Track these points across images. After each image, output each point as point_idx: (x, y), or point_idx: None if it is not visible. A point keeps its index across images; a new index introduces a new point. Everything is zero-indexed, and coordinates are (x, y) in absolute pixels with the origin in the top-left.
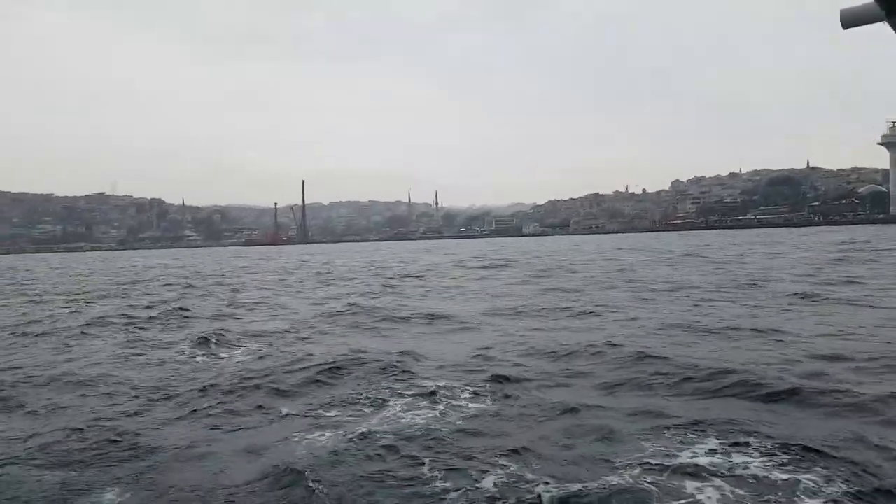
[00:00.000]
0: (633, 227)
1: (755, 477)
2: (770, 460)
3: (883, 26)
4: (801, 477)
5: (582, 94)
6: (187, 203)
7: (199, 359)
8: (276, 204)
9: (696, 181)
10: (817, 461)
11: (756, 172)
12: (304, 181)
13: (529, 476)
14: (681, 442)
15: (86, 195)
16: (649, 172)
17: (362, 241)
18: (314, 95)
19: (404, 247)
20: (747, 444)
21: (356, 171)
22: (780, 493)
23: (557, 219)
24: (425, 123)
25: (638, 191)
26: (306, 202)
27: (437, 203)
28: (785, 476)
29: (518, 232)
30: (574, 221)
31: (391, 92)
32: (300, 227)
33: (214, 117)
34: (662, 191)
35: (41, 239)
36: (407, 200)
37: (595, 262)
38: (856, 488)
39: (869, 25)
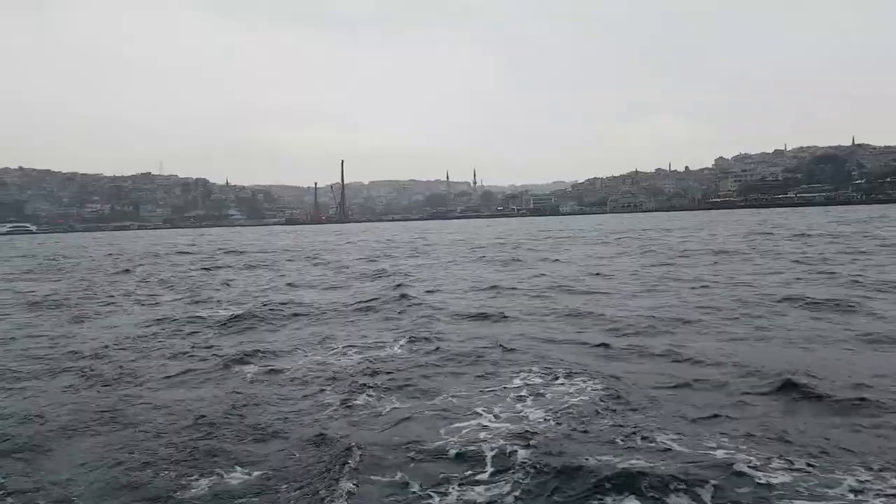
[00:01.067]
0: (671, 206)
1: None
2: None
3: None
4: None
5: (628, 70)
6: (231, 183)
7: None
8: (315, 184)
9: (741, 158)
10: None
11: (802, 149)
12: (342, 161)
13: None
14: None
15: (133, 175)
16: (694, 149)
17: (402, 220)
18: (358, 72)
19: (422, 226)
20: None
21: (397, 150)
22: None
23: (596, 197)
24: (468, 101)
25: (681, 168)
26: (347, 182)
27: (475, 182)
28: None
29: (556, 211)
30: (612, 200)
31: (434, 68)
32: (339, 206)
33: (261, 98)
34: (706, 168)
35: (90, 218)
36: (448, 179)
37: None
38: None
39: None
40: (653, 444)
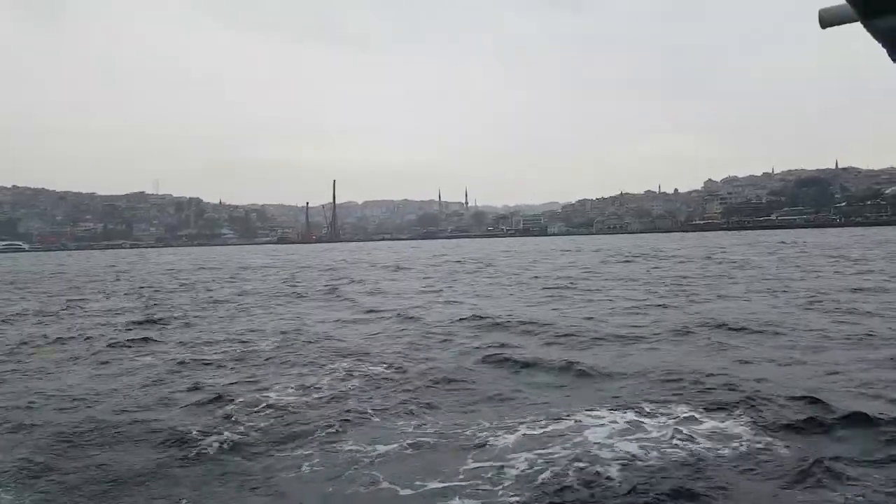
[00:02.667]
0: (655, 228)
1: None
2: None
3: (860, 27)
4: None
5: (624, 91)
6: (225, 202)
7: None
8: (307, 203)
9: (729, 181)
10: None
11: (790, 172)
12: (335, 181)
13: None
14: None
15: (126, 194)
16: (685, 172)
17: (392, 239)
18: (351, 91)
19: (401, 245)
20: None
21: (390, 170)
22: None
23: (584, 218)
24: (463, 121)
25: (670, 190)
26: (342, 202)
27: (466, 202)
28: None
29: (544, 232)
30: (598, 221)
31: (428, 88)
32: (331, 225)
33: (256, 118)
34: (694, 191)
35: (82, 236)
36: (440, 199)
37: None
38: None
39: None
40: None
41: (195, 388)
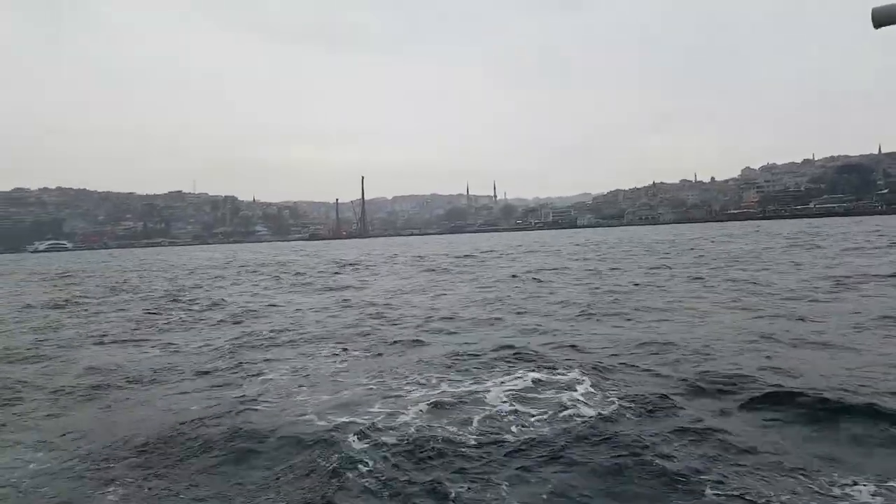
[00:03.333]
0: (689, 218)
1: None
2: None
3: None
4: None
5: (652, 80)
6: (259, 200)
7: None
8: (337, 200)
9: (768, 169)
10: None
11: (831, 159)
12: (363, 178)
13: None
14: None
15: (164, 193)
16: (722, 160)
17: (420, 234)
18: (382, 89)
19: (427, 240)
20: None
21: (421, 165)
22: None
23: (616, 209)
24: (490, 114)
25: (707, 179)
26: (372, 197)
27: (495, 195)
28: None
29: (573, 224)
30: (629, 212)
31: (456, 83)
32: (360, 221)
33: (290, 116)
34: (731, 179)
35: (123, 235)
36: (468, 193)
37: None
38: None
39: None
40: None
41: None
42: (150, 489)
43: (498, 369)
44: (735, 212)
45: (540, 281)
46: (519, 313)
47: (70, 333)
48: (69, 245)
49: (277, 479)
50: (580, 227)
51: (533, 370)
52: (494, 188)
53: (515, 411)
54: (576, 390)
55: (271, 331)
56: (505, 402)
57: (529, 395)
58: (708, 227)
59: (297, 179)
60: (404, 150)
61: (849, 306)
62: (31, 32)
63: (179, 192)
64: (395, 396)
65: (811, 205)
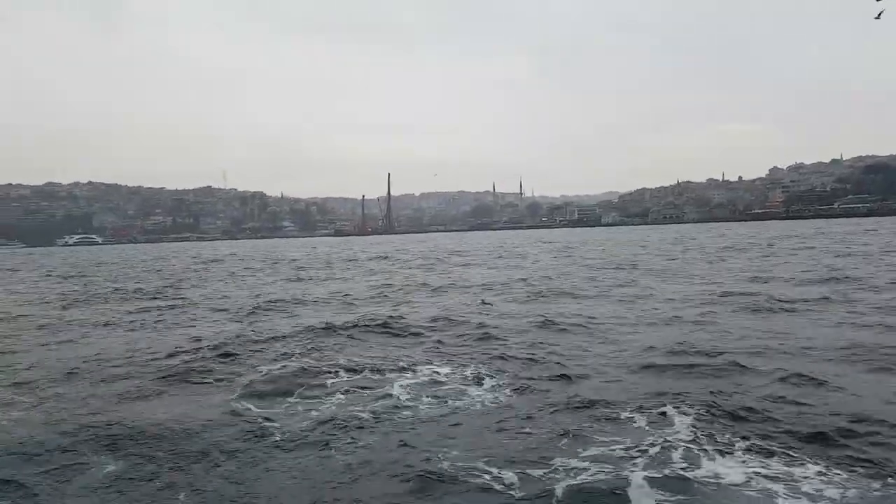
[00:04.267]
0: (713, 217)
1: None
2: None
3: None
4: None
5: (683, 77)
6: (287, 195)
7: None
8: (363, 196)
9: (795, 168)
10: None
11: (859, 159)
12: (389, 174)
13: None
14: None
15: (194, 188)
16: (751, 160)
17: (445, 231)
18: (410, 86)
19: (447, 237)
20: None
21: (448, 162)
22: None
23: (640, 208)
24: (519, 111)
25: (734, 178)
26: (399, 194)
27: (521, 193)
28: None
29: (598, 222)
30: (653, 211)
31: (486, 79)
32: (385, 217)
33: (316, 111)
34: (758, 179)
35: (152, 230)
36: (494, 190)
37: None
38: None
39: None
40: None
41: None
42: None
43: None
44: (758, 211)
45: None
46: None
47: None
48: (98, 239)
49: None
50: (604, 226)
51: None
52: (520, 186)
53: None
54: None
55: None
56: None
57: None
58: (723, 226)
59: (326, 175)
60: (433, 147)
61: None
62: (66, 31)
63: (209, 187)
64: None
65: (835, 205)
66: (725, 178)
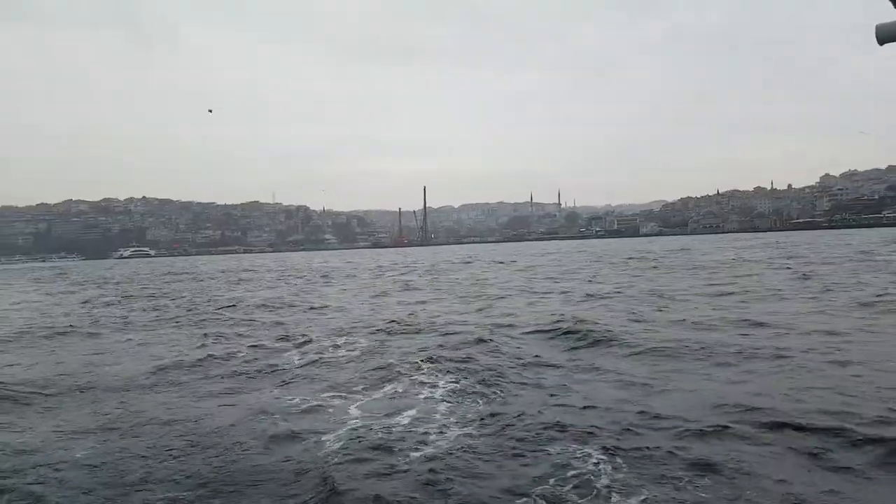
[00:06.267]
0: (754, 227)
1: None
2: None
3: None
4: None
5: (729, 83)
6: (329, 209)
7: None
8: (399, 208)
9: (847, 176)
10: None
11: None
12: (425, 188)
13: None
14: None
15: (242, 203)
16: (802, 167)
17: (481, 242)
18: (447, 99)
19: (474, 249)
20: None
21: (487, 174)
22: None
23: (683, 218)
24: (559, 121)
25: (783, 186)
26: (439, 206)
27: (559, 203)
28: None
29: (636, 232)
30: (692, 221)
31: (522, 89)
32: (422, 229)
33: (361, 127)
34: (807, 187)
35: (202, 243)
36: (531, 201)
37: None
38: None
39: None
40: None
41: None
42: None
43: None
44: (799, 221)
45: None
46: None
47: None
48: (152, 252)
49: None
50: (642, 236)
51: None
52: (559, 196)
53: None
54: None
55: None
56: None
57: None
58: (754, 236)
59: (367, 189)
60: (473, 159)
61: None
62: (123, 54)
63: (256, 201)
64: None
65: (882, 213)
66: (774, 187)
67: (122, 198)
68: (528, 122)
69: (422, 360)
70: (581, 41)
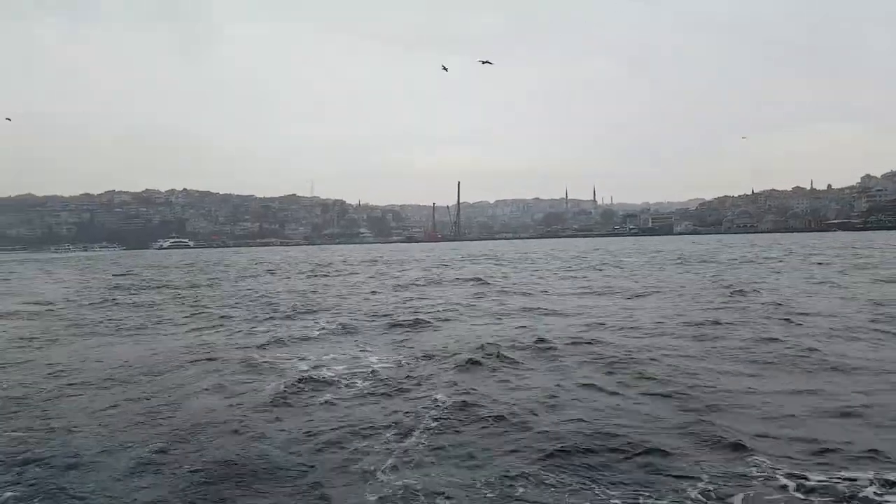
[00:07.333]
0: (788, 227)
1: None
2: None
3: None
4: None
5: (769, 78)
6: (364, 203)
7: None
8: (433, 203)
9: (890, 176)
10: None
11: None
12: (458, 183)
13: None
14: None
15: (280, 196)
16: (847, 166)
17: (514, 238)
18: (481, 95)
19: (504, 245)
20: None
21: (523, 169)
22: None
23: (718, 217)
24: (601, 116)
25: (822, 187)
26: (474, 201)
27: (595, 200)
28: None
29: (670, 231)
30: (727, 220)
31: (567, 86)
32: (455, 224)
33: (396, 123)
34: (847, 187)
35: (240, 235)
36: (566, 197)
37: None
38: None
39: None
40: None
41: None
42: None
43: None
44: (834, 221)
45: None
46: None
47: None
48: (191, 243)
49: None
50: (676, 234)
51: None
52: (594, 192)
53: None
54: None
55: None
56: None
57: None
58: (785, 237)
59: (402, 183)
60: (509, 154)
61: None
62: (166, 48)
63: (294, 195)
64: None
65: None
66: (813, 187)
67: (163, 189)
68: (568, 118)
69: None
70: (625, 34)
